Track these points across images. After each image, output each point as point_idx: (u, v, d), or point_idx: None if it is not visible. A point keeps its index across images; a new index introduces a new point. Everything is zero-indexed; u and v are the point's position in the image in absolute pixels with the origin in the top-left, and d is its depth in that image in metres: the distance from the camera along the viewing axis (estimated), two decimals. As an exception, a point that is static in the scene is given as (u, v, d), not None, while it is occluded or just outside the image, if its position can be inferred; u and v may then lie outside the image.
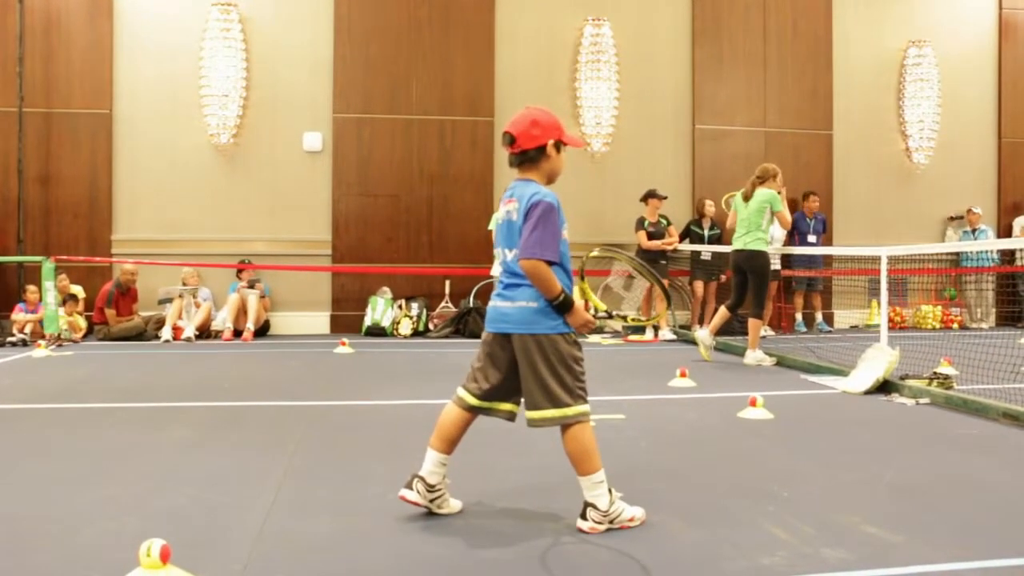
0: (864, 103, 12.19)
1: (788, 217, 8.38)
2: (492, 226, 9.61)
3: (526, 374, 2.98)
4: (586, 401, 3.00)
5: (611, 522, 2.95)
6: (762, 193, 7.86)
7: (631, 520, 2.99)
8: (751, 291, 7.92)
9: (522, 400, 3.07)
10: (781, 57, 11.82)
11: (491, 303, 3.13)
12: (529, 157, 3.06)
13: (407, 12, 11.03)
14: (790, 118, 11.83)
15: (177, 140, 10.71)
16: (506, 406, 3.12)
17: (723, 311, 8.06)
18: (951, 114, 12.34)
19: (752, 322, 7.86)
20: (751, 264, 7.89)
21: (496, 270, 3.19)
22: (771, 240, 10.61)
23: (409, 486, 3.09)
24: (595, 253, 3.29)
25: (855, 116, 12.12)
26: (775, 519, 3.08)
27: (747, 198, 8.02)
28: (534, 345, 2.95)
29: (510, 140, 3.05)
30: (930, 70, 12.23)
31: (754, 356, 7.78)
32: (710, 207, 10.89)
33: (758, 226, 7.86)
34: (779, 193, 7.99)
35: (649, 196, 10.47)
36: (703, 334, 8.13)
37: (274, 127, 10.84)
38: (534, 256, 2.89)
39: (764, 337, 10.21)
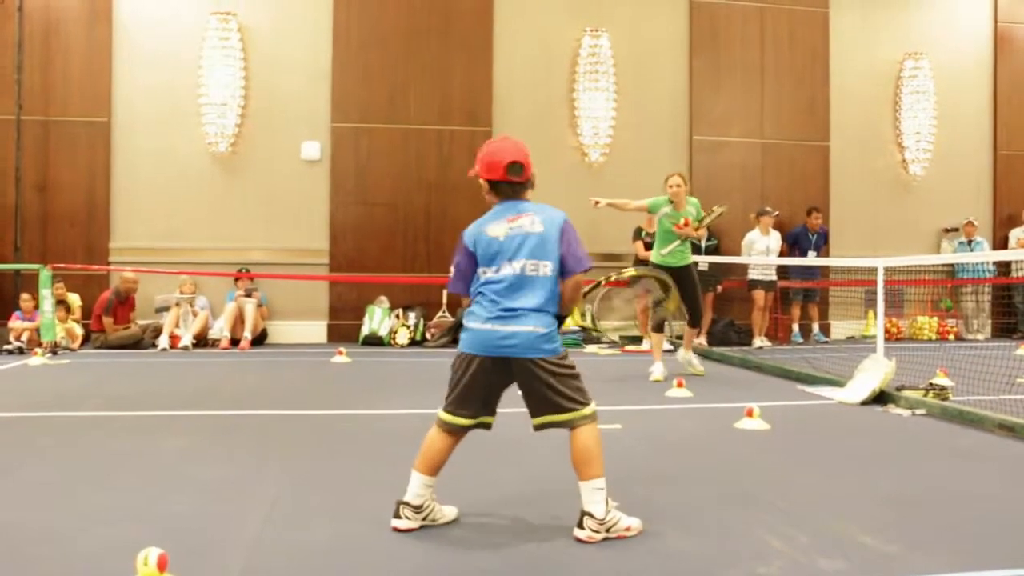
0: (861, 115, 12.24)
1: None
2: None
3: (539, 391, 3.02)
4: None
5: (608, 531, 2.95)
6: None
7: (627, 530, 2.99)
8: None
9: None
10: (778, 68, 11.86)
11: (483, 325, 3.03)
12: (531, 184, 3.17)
13: (406, 22, 11.06)
14: (787, 129, 11.87)
15: (175, 148, 10.71)
16: (488, 419, 3.16)
17: (686, 329, 7.74)
18: (947, 126, 12.38)
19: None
20: None
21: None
22: (767, 252, 10.70)
23: (397, 515, 3.06)
24: (629, 273, 3.39)
25: (852, 127, 12.15)
26: (771, 529, 3.08)
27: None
28: (541, 366, 3.00)
29: (521, 169, 3.11)
30: (926, 82, 12.28)
31: (658, 368, 7.33)
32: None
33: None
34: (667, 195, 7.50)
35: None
36: (681, 355, 7.74)
37: (272, 136, 10.85)
38: (580, 269, 3.12)
39: (761, 348, 10.23)
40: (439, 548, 2.89)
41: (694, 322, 7.64)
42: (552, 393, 3.00)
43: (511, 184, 3.13)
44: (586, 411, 3.02)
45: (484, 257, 3.10)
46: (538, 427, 3.06)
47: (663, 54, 11.71)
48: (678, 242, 7.38)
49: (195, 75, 10.65)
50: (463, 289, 3.15)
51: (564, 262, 3.09)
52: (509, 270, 3.05)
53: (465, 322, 3.09)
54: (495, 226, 3.11)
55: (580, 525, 2.96)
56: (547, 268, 3.06)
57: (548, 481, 3.74)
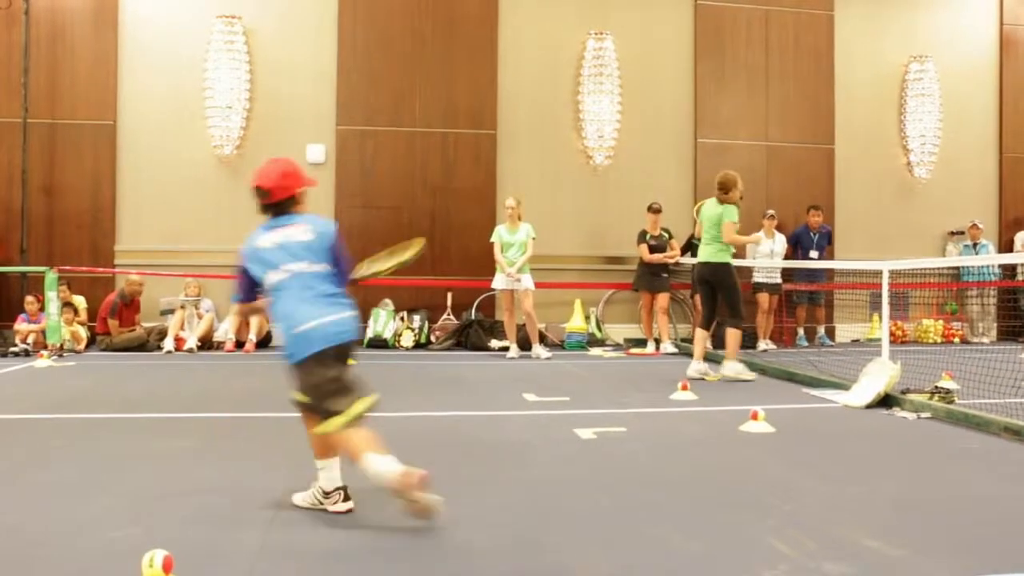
0: (866, 117, 12.23)
1: (732, 234, 7.60)
2: (495, 239, 9.62)
3: (351, 373, 3.34)
4: None
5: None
6: (721, 206, 7.67)
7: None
8: (723, 303, 7.66)
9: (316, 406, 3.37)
10: (783, 71, 11.86)
11: (325, 318, 3.25)
12: (297, 200, 3.45)
13: (411, 25, 11.09)
14: (792, 132, 11.86)
15: (181, 151, 10.74)
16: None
17: (700, 333, 7.80)
18: (952, 129, 12.37)
19: (729, 332, 7.58)
20: (716, 277, 7.65)
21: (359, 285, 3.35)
22: (771, 254, 10.71)
23: (347, 498, 3.32)
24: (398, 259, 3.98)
25: (857, 130, 12.15)
26: (776, 532, 3.08)
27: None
28: (354, 347, 3.37)
29: (264, 194, 3.42)
30: (931, 85, 12.27)
31: (732, 368, 7.51)
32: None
33: (717, 237, 7.63)
34: (738, 201, 7.71)
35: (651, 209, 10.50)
36: (696, 367, 7.67)
37: (277, 139, 10.86)
38: (353, 275, 3.57)
39: (765, 351, 10.23)
40: (440, 551, 2.90)
41: (709, 325, 7.68)
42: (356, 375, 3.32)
43: (266, 205, 3.42)
44: None
45: (263, 263, 3.37)
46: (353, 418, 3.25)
47: (668, 57, 11.72)
48: None
49: (200, 78, 10.68)
50: (243, 298, 3.58)
51: (339, 266, 3.42)
52: (294, 269, 3.30)
53: (293, 329, 3.25)
54: (263, 239, 3.40)
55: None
56: (324, 267, 3.34)
57: (549, 484, 3.75)
